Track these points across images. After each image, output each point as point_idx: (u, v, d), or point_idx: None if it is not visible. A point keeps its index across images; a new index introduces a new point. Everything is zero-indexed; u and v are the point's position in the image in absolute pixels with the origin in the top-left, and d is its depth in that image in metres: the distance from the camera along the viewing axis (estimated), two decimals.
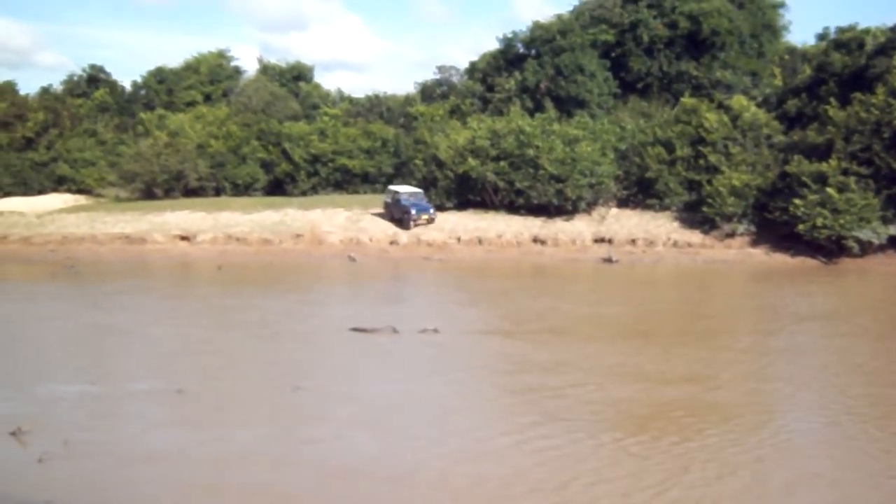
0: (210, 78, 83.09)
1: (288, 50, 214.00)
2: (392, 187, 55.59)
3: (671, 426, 18.99)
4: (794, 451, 17.60)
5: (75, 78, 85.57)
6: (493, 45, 79.34)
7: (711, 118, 51.58)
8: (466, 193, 55.22)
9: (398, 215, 53.31)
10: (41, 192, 67.52)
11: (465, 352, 26.62)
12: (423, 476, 16.43)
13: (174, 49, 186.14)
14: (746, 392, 21.91)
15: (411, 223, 52.33)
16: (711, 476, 16.10)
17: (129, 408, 20.77)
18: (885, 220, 44.68)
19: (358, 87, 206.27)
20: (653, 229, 50.32)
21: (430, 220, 52.99)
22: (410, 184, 58.02)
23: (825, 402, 20.91)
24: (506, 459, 17.23)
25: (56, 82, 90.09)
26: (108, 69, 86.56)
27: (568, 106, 62.46)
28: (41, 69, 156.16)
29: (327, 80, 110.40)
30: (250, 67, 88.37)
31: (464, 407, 20.90)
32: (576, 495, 15.41)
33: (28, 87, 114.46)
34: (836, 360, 25.46)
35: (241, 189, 64.58)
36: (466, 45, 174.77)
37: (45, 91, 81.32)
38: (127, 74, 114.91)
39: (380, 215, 54.32)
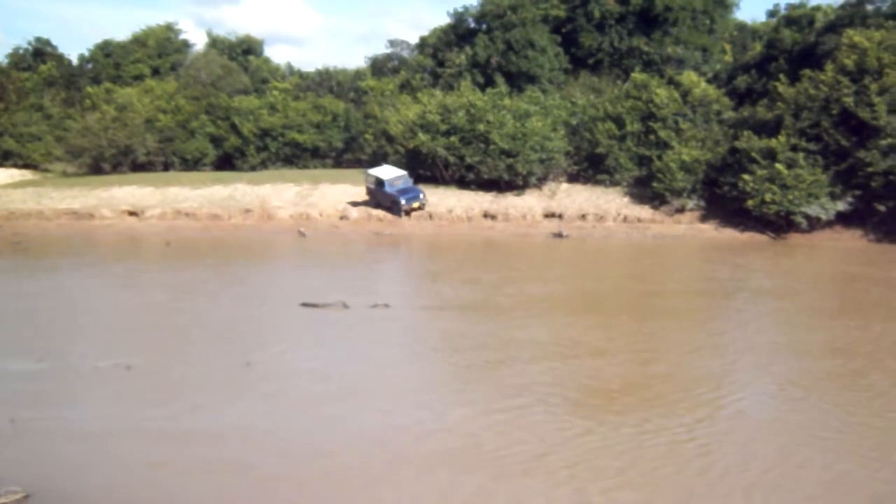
0: (158, 51, 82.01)
1: (221, 23, 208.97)
2: (372, 171, 52.64)
3: (634, 401, 19.19)
4: (749, 427, 17.86)
5: (21, 51, 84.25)
6: (435, 20, 78.89)
7: (662, 94, 51.78)
8: (417, 168, 54.84)
9: (386, 203, 51.31)
10: None
11: (416, 327, 26.68)
12: (378, 451, 16.46)
13: (113, 23, 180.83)
14: (699, 367, 22.08)
15: (402, 213, 50.78)
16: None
17: (77, 385, 20.54)
18: (833, 196, 45.04)
19: (300, 61, 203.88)
20: (603, 204, 50.52)
21: (422, 206, 51.38)
22: (362, 158, 57.43)
23: (771, 377, 21.20)
24: (462, 434, 17.30)
25: None
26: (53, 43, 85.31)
27: (519, 81, 62.45)
28: None
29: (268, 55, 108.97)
30: (196, 41, 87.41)
31: (416, 382, 20.94)
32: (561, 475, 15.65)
33: None
34: (782, 334, 25.84)
35: (190, 164, 63.96)
36: (406, 19, 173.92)
37: None
38: (69, 48, 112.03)
39: (364, 203, 52.52)
